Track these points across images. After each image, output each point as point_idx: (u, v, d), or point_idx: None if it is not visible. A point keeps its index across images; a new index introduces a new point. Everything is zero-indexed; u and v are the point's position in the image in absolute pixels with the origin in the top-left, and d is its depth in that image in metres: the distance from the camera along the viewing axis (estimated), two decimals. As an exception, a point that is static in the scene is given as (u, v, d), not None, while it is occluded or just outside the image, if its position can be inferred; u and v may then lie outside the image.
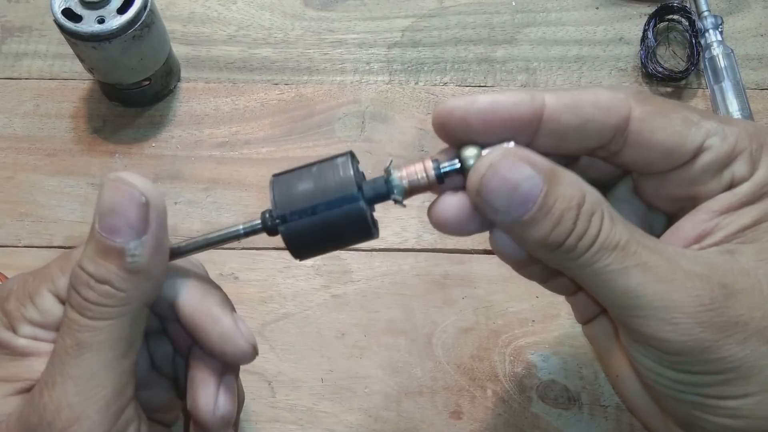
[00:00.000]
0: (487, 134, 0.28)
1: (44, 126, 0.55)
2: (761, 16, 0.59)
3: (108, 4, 0.48)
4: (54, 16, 0.48)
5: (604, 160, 0.31)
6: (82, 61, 0.52)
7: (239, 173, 0.53)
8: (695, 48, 0.56)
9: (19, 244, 0.51)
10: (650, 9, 0.58)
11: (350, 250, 0.50)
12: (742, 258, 0.28)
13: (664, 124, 0.29)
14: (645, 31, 0.57)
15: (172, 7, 0.60)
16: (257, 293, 0.49)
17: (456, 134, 0.29)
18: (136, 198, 0.28)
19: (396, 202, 0.29)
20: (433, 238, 0.50)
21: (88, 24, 0.48)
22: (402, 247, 0.50)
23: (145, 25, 0.49)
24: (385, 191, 0.29)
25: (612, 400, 0.45)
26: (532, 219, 0.27)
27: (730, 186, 0.29)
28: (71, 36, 0.48)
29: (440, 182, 0.29)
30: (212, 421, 0.31)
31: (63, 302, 0.30)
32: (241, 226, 0.30)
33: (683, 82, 0.56)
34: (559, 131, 0.29)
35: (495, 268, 0.49)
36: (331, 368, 0.47)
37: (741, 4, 0.59)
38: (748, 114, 0.52)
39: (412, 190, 0.29)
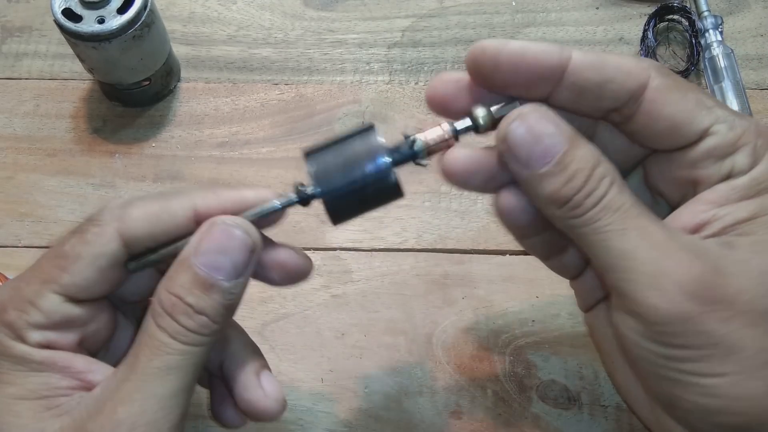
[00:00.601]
0: (513, 77, 0.30)
1: (44, 126, 0.55)
2: (761, 16, 0.59)
3: (108, 4, 0.48)
4: (54, 16, 0.48)
5: (615, 125, 0.32)
6: (82, 61, 0.52)
7: (239, 173, 0.53)
8: (695, 48, 0.56)
9: (19, 244, 0.51)
10: (650, 9, 0.58)
11: (350, 250, 0.50)
12: (737, 249, 0.29)
13: (678, 99, 0.30)
14: (645, 31, 0.57)
15: (172, 7, 0.60)
16: (257, 293, 0.49)
17: (485, 73, 0.31)
18: (247, 244, 0.30)
19: (417, 162, 0.32)
20: (433, 238, 0.50)
21: (88, 24, 0.48)
22: (402, 247, 0.50)
23: (145, 25, 0.49)
24: (409, 152, 0.32)
25: (612, 400, 0.45)
26: (548, 173, 0.29)
27: (730, 176, 0.30)
28: (71, 36, 0.48)
29: (457, 139, 0.32)
30: (271, 406, 0.33)
31: (73, 300, 0.30)
32: (277, 201, 0.32)
33: (683, 82, 0.56)
34: (579, 86, 0.30)
35: (495, 268, 0.49)
36: (331, 368, 0.47)
37: (741, 4, 0.59)
38: (748, 114, 0.52)
39: (432, 149, 0.32)
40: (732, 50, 0.55)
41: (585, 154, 0.29)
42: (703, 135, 0.30)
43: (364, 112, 0.55)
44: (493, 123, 0.31)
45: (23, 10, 0.60)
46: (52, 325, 0.30)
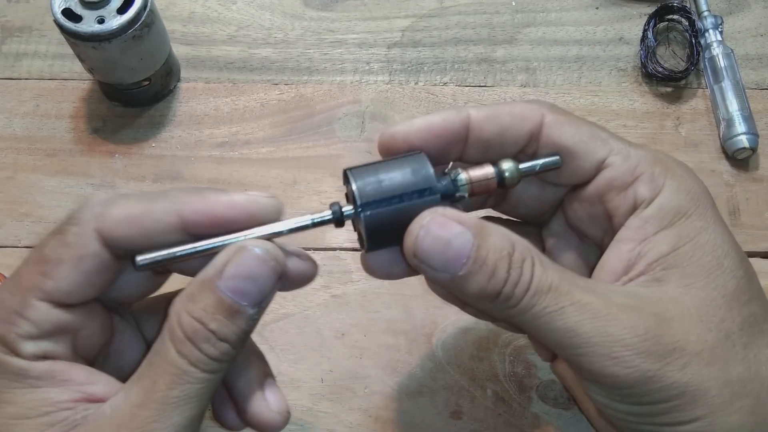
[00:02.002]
0: (426, 149, 0.31)
1: (44, 126, 0.55)
2: (761, 16, 0.59)
3: (108, 4, 0.48)
4: (54, 16, 0.48)
5: None
6: (82, 61, 0.52)
7: (239, 173, 0.53)
8: (695, 48, 0.56)
9: (19, 244, 0.51)
10: (650, 9, 0.58)
11: (350, 250, 0.50)
12: (668, 286, 0.30)
13: (572, 132, 0.32)
14: (645, 31, 0.57)
15: (172, 7, 0.60)
16: (257, 293, 0.49)
17: (399, 152, 0.32)
18: (276, 271, 0.29)
19: (459, 200, 0.31)
20: (433, 238, 0.50)
21: (88, 24, 0.48)
22: (402, 247, 0.50)
23: (145, 25, 0.49)
24: (453, 190, 0.31)
25: (612, 400, 0.45)
26: (468, 272, 0.28)
27: (635, 205, 0.31)
28: (71, 36, 0.48)
29: (500, 187, 0.31)
30: (275, 419, 0.33)
31: (61, 305, 0.29)
32: (309, 218, 0.31)
33: (683, 82, 0.56)
34: (483, 140, 0.32)
35: (495, 268, 0.49)
36: (331, 368, 0.47)
37: (741, 4, 0.59)
38: (748, 114, 0.52)
39: (474, 191, 0.31)
40: (732, 50, 0.55)
41: (497, 242, 0.29)
42: (600, 167, 0.32)
43: (364, 112, 0.55)
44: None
45: (23, 10, 0.60)
46: (44, 334, 0.29)
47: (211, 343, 0.28)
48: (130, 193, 0.31)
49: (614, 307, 0.28)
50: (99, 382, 0.30)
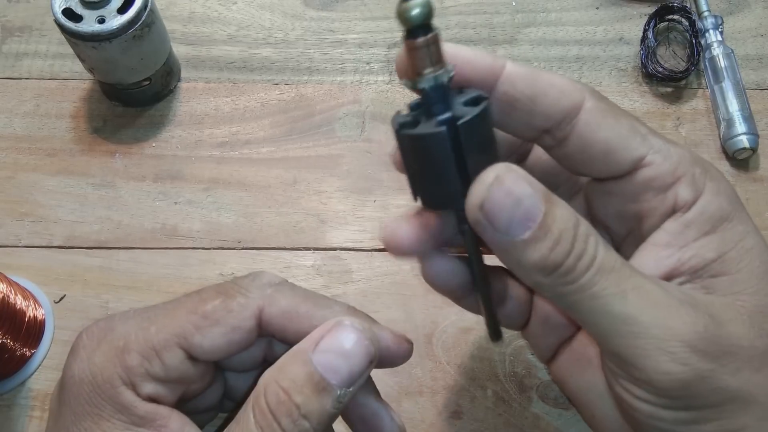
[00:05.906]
0: None
1: (44, 126, 0.55)
2: (761, 16, 0.59)
3: (108, 4, 0.49)
4: (54, 16, 0.48)
5: (547, 150, 0.31)
6: (82, 61, 0.52)
7: (239, 173, 0.53)
8: (695, 48, 0.56)
9: (19, 244, 0.51)
10: (650, 9, 0.58)
11: (350, 250, 0.50)
12: (718, 292, 0.28)
13: (612, 123, 0.29)
14: (645, 31, 0.57)
15: (172, 7, 0.60)
16: (257, 293, 0.49)
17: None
18: (370, 353, 0.28)
19: (427, 89, 0.27)
20: (433, 238, 0.50)
21: (89, 24, 0.48)
22: (402, 247, 0.50)
23: (146, 25, 0.49)
24: (440, 94, 0.27)
25: (612, 400, 0.45)
26: (532, 238, 0.26)
27: (674, 208, 0.29)
28: (71, 36, 0.48)
29: (414, 38, 0.26)
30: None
31: (192, 359, 0.29)
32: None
33: (683, 82, 0.56)
34: (511, 97, 0.28)
35: (495, 268, 0.49)
36: (331, 368, 0.47)
37: (741, 4, 0.59)
38: (748, 114, 0.53)
39: (417, 65, 0.27)
40: (732, 50, 0.55)
41: (564, 213, 0.26)
42: (638, 165, 0.29)
43: (364, 112, 0.55)
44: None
45: (23, 10, 0.60)
46: (168, 380, 0.29)
47: (293, 418, 0.26)
48: (300, 288, 0.31)
49: (676, 301, 0.27)
50: None
